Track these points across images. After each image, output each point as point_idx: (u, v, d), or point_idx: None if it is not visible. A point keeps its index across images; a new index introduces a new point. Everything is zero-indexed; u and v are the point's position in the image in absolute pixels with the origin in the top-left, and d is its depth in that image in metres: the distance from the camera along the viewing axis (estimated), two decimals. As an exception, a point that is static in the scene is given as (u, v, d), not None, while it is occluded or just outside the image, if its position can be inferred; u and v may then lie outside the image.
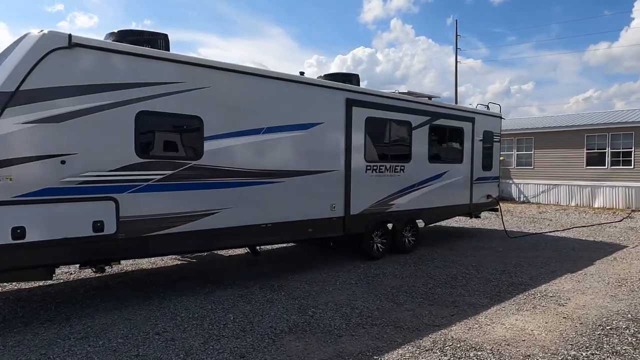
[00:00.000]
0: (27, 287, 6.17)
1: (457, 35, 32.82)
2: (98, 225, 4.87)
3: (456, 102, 33.57)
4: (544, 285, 6.54)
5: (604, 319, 5.12)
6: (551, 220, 14.04)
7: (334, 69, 69.99)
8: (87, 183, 4.82)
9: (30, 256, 4.56)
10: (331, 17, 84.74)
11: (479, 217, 11.58)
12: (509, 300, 5.80)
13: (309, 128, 6.89)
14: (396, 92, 9.08)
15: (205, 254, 8.17)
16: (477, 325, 4.91)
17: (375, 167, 7.91)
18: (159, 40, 6.12)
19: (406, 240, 8.69)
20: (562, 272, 7.28)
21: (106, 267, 5.72)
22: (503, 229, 11.15)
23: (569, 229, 12.21)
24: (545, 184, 20.08)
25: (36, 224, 4.52)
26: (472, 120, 10.07)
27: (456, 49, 32.76)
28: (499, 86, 70.05)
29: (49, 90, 4.55)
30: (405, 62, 77.85)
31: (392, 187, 8.24)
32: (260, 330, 4.69)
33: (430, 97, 9.73)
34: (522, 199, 20.70)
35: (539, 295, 6.05)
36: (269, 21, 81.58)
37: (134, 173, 5.15)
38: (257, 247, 6.97)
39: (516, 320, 5.09)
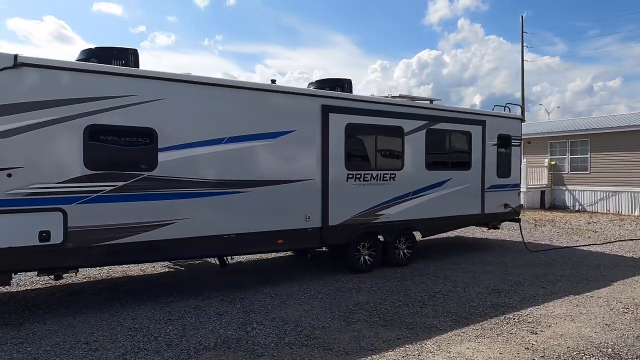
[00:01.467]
0: (22, 289, 6.62)
1: (522, 32, 31.11)
2: (44, 235, 5.08)
3: (522, 103, 31.46)
4: (530, 308, 5.79)
5: (574, 353, 4.39)
6: (596, 232, 12.55)
7: (398, 73, 69.11)
8: (33, 195, 5.06)
9: None
10: (394, 21, 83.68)
11: (498, 228, 10.61)
12: (475, 325, 5.19)
13: (277, 137, 6.73)
14: (389, 96, 8.63)
15: (197, 262, 8.28)
16: (417, 353, 4.42)
17: (358, 176, 7.54)
18: (130, 55, 6.33)
19: (400, 253, 8.17)
20: (564, 294, 6.42)
21: (64, 275, 5.95)
22: (524, 241, 10.11)
23: (611, 242, 10.82)
24: (604, 191, 18.09)
25: (-16, 233, 4.82)
26: (481, 123, 9.29)
27: (522, 46, 31.06)
28: (580, 84, 64.74)
29: (-5, 108, 4.86)
30: (474, 62, 74.63)
31: (381, 196, 7.80)
32: (185, 345, 4.59)
33: (431, 101, 9.12)
34: (577, 207, 18.81)
35: (515, 320, 5.36)
36: (332, 30, 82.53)
37: (83, 185, 5.33)
38: (226, 258, 6.91)
39: (467, 348, 4.52)
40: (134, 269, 7.85)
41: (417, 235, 8.57)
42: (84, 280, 7.17)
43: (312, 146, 7.06)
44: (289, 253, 8.78)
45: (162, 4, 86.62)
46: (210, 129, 6.16)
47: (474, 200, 9.21)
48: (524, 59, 31.00)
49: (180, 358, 4.30)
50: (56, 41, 71.30)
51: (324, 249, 7.80)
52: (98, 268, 7.55)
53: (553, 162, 20.35)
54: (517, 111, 10.31)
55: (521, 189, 18.65)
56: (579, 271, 7.85)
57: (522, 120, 10.33)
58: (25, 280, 7.00)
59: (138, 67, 6.21)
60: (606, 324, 5.18)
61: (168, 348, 4.52)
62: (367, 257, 7.74)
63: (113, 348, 4.51)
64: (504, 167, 9.86)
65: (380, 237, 7.87)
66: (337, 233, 7.32)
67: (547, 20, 67.81)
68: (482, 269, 7.99)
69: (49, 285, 6.88)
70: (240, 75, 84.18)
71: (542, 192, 19.90)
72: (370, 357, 4.32)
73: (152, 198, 5.76)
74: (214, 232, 6.20)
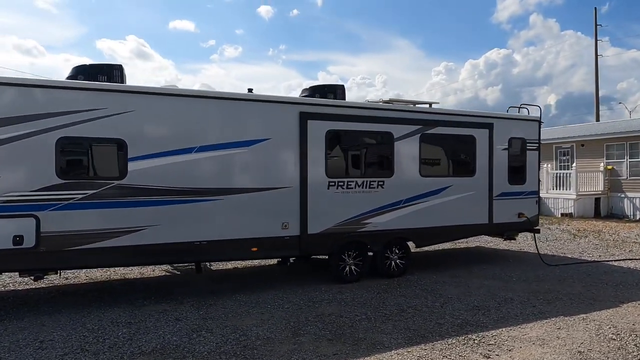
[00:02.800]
0: (24, 288, 7.25)
1: (596, 25, 29.24)
2: (17, 240, 5.51)
3: (597, 101, 29.09)
4: (503, 329, 5.27)
5: (516, 382, 3.93)
6: (643, 245, 11.18)
7: (464, 75, 66.70)
8: (8, 202, 5.52)
9: None
10: (460, 21, 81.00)
11: (514, 239, 9.79)
12: (426, 344, 4.83)
13: (251, 145, 6.76)
14: (380, 101, 8.34)
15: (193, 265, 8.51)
16: (343, 370, 4.21)
17: (341, 183, 7.35)
18: (115, 71, 6.73)
19: (392, 264, 7.82)
20: (553, 315, 5.77)
21: (45, 276, 6.39)
22: (539, 254, 9.23)
23: (653, 257, 9.57)
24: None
25: (-36, 237, 5.34)
26: (488, 126, 8.67)
27: (595, 40, 29.29)
28: (673, 79, 58.08)
29: (-26, 124, 5.37)
30: (549, 60, 70.15)
31: (367, 204, 7.54)
32: (126, 349, 4.73)
33: (430, 104, 8.67)
34: (638, 217, 16.89)
35: (475, 341, 4.91)
36: (394, 33, 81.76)
37: (55, 193, 5.72)
38: (202, 264, 7.04)
39: (400, 369, 4.22)
40: (133, 272, 8.27)
41: (414, 245, 8.21)
42: (84, 282, 7.67)
43: (289, 154, 7.01)
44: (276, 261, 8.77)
45: (230, 18, 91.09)
46: (180, 138, 6.34)
47: (479, 209, 8.60)
48: (599, 54, 29.20)
49: (112, 361, 4.45)
50: (137, 58, 77.83)
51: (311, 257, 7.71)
52: (97, 270, 8.07)
53: (610, 167, 18.47)
54: (535, 112, 9.47)
55: (572, 196, 17.22)
56: (590, 289, 7.03)
57: (540, 122, 9.48)
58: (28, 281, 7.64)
59: (124, 82, 6.58)
60: (579, 352, 4.59)
61: (108, 351, 4.70)
62: (353, 267, 7.51)
63: (60, 348, 4.77)
64: (518, 173, 9.12)
65: (369, 247, 7.61)
66: (317, 242, 7.19)
67: (635, 10, 61.93)
68: (479, 283, 7.43)
69: (50, 285, 7.44)
70: (302, 82, 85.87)
71: (597, 200, 18.11)
72: (291, 372, 4.19)
73: (121, 205, 6.04)
74: (184, 239, 6.36)
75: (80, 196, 5.84)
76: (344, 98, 8.10)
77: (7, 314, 5.89)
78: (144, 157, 6.15)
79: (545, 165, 19.16)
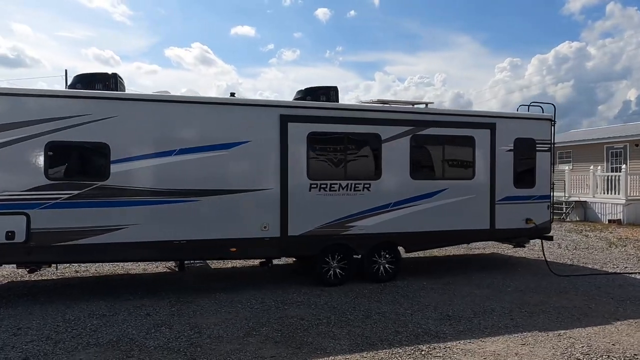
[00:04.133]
0: (34, 279, 7.94)
1: None
2: (9, 235, 6.07)
3: None
4: (461, 341, 4.99)
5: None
6: (686, 256, 9.99)
7: (530, 70, 63.30)
8: (2, 201, 6.09)
9: None
10: (526, 14, 76.50)
11: (523, 246, 9.15)
12: (371, 352, 4.70)
13: (230, 147, 6.92)
14: (371, 102, 8.16)
15: (199, 264, 8.83)
16: (269, 373, 4.20)
17: (324, 186, 7.31)
18: (110, 79, 7.19)
19: (381, 268, 7.64)
20: (528, 329, 5.36)
21: (39, 269, 6.95)
22: (547, 262, 8.53)
23: (690, 270, 8.53)
24: None
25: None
26: (489, 126, 8.20)
27: None
28: None
29: (-29, 130, 5.99)
30: (629, 52, 64.38)
31: (352, 207, 7.42)
32: (82, 340, 4.99)
33: (426, 104, 8.34)
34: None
35: (424, 352, 4.70)
36: (454, 30, 79.22)
37: (44, 193, 6.23)
38: (185, 263, 7.30)
39: (326, 376, 4.14)
40: (138, 268, 8.76)
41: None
42: (91, 275, 8.24)
43: (269, 156, 7.09)
44: (284, 261, 8.85)
45: (289, 21, 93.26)
46: (161, 142, 6.64)
47: (479, 214, 8.15)
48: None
49: (65, 350, 4.76)
50: (201, 64, 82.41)
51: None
52: (105, 265, 8.63)
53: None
54: (547, 111, 8.78)
55: (621, 201, 15.76)
56: (589, 303, 6.42)
57: (552, 121, 8.77)
58: (46, 272, 8.35)
59: (118, 89, 7.02)
60: (530, 370, 4.24)
61: (69, 340, 5.02)
62: (337, 271, 7.43)
63: (31, 335, 5.18)
64: (525, 176, 8.54)
65: (354, 251, 7.49)
66: (298, 244, 7.20)
67: None
68: (468, 292, 7.05)
69: (59, 277, 8.08)
70: (360, 84, 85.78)
71: (652, 205, 16.40)
72: (219, 372, 4.25)
73: (105, 205, 6.44)
74: (164, 237, 6.65)
75: (66, 196, 6.31)
76: (336, 100, 8.03)
77: (7, 302, 6.50)
78: (126, 159, 6.52)
79: (592, 167, 17.71)
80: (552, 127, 8.78)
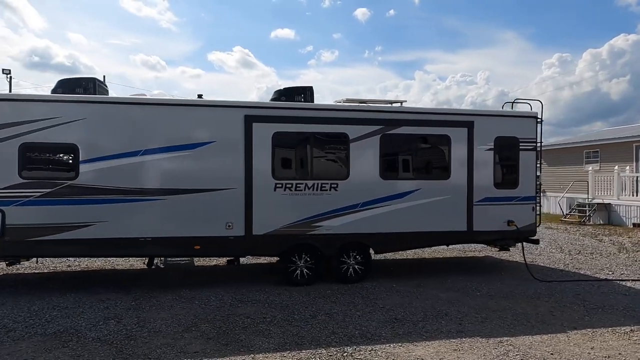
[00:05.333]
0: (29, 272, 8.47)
1: None
2: (-14, 230, 6.53)
3: None
4: (392, 344, 4.89)
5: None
6: (699, 264, 9.20)
7: (581, 66, 60.17)
8: (-20, 198, 6.55)
9: None
10: (576, 7, 72.68)
11: (507, 249, 8.74)
12: (294, 351, 4.70)
13: (195, 148, 7.09)
14: (341, 101, 8.08)
15: (183, 261, 9.09)
16: (183, 367, 4.29)
17: (289, 185, 7.33)
18: (89, 84, 7.57)
19: (350, 269, 7.56)
20: (468, 335, 5.17)
21: (17, 262, 7.38)
22: (527, 267, 8.11)
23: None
24: None
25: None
26: (467, 124, 7.92)
27: None
28: None
29: (-46, 133, 6.49)
30: None
31: (318, 207, 7.40)
32: (32, 330, 5.27)
33: (401, 103, 8.15)
34: None
35: (346, 353, 4.65)
36: (498, 26, 76.67)
37: (18, 191, 6.64)
38: (154, 260, 7.52)
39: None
40: (139, 263, 9.11)
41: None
42: (82, 269, 8.69)
43: (234, 156, 7.19)
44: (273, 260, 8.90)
45: (328, 23, 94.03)
46: (127, 142, 6.90)
47: (455, 215, 7.89)
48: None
49: (12, 338, 5.05)
50: (242, 67, 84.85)
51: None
52: (98, 260, 9.06)
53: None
54: (533, 108, 8.34)
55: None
56: (555, 311, 6.08)
57: (538, 119, 8.32)
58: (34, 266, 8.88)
59: (96, 93, 7.37)
60: (445, 376, 4.08)
61: (20, 329, 5.32)
62: (305, 271, 7.43)
63: (-9, 323, 5.56)
64: (508, 176, 8.18)
65: (320, 251, 7.46)
66: (263, 243, 7.26)
67: None
68: (433, 295, 6.85)
69: (51, 270, 8.57)
70: (399, 83, 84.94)
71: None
72: (136, 364, 4.39)
73: (74, 203, 6.78)
74: (130, 235, 6.91)
75: (39, 194, 6.69)
76: (312, 100, 8.05)
77: (-11, 292, 6.98)
78: (94, 159, 6.83)
79: (616, 168, 16.65)
80: (540, 125, 8.38)
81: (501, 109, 8.37)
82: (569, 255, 10.23)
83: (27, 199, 6.66)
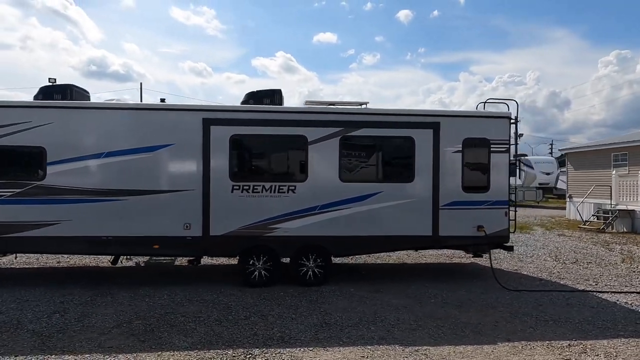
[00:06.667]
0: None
1: None
2: (-38, 226, 7.05)
3: None
4: (304, 348, 4.82)
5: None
6: None
7: None
8: (-43, 197, 7.09)
9: None
10: (636, 1, 68.57)
11: (480, 256, 8.31)
12: (203, 351, 4.75)
13: (155, 150, 7.32)
14: (307, 103, 8.04)
15: (165, 260, 9.41)
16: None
17: (246, 187, 7.39)
18: (67, 90, 8.02)
19: (309, 272, 7.52)
20: (388, 343, 5.02)
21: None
22: (495, 276, 7.67)
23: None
24: None
25: None
26: (432, 126, 7.66)
27: None
28: None
29: (-64, 137, 7.07)
30: None
31: (276, 209, 7.41)
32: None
33: (364, 104, 8.00)
34: None
35: (252, 356, 4.63)
36: (549, 24, 73.75)
37: (-9, 190, 7.14)
38: (118, 258, 7.78)
39: (131, 368, 4.28)
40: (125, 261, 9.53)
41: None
42: (69, 265, 9.18)
43: (192, 158, 7.35)
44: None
45: (370, 25, 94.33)
46: (90, 145, 7.24)
47: (419, 219, 7.64)
48: None
49: (-41, 327, 5.44)
50: (285, 72, 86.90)
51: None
52: (88, 258, 9.54)
53: None
54: (507, 108, 7.90)
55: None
56: (502, 321, 5.76)
57: (511, 119, 7.87)
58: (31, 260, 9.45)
59: (74, 99, 7.81)
60: (332, 383, 3.98)
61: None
62: (263, 272, 7.47)
63: (-49, 313, 6.00)
64: (477, 178, 7.83)
65: (277, 253, 7.46)
66: (220, 244, 7.37)
67: None
68: (384, 301, 6.67)
69: (42, 266, 9.11)
70: (443, 85, 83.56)
71: None
72: (40, 357, 4.59)
73: (41, 202, 7.18)
74: (92, 233, 7.22)
75: (9, 194, 7.15)
76: (281, 103, 8.11)
77: (-30, 284, 7.53)
78: (60, 161, 7.21)
79: (641, 172, 15.48)
80: (515, 125, 7.98)
81: (471, 110, 8.02)
82: (560, 264, 9.62)
83: (0, 197, 7.15)
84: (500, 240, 7.84)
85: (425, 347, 4.85)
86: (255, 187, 7.42)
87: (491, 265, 7.92)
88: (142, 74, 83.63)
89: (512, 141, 8.06)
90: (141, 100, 25.92)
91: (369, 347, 4.87)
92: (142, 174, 7.33)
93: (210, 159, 7.34)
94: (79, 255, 9.47)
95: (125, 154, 7.29)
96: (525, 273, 8.73)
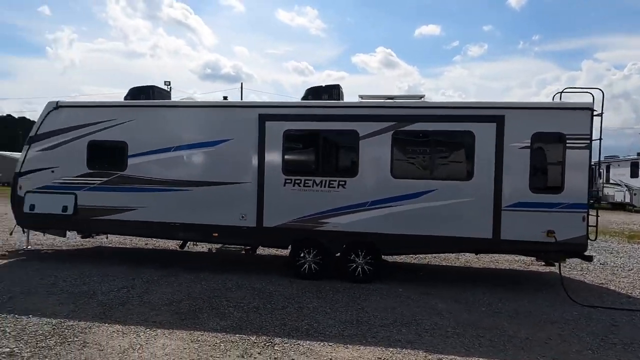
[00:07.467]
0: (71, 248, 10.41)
1: None
2: (64, 207, 8.30)
3: None
4: (322, 343, 4.81)
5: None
6: None
7: None
8: (62, 183, 8.37)
9: (31, 222, 8.51)
10: None
11: (552, 265, 7.32)
12: (231, 334, 4.98)
13: (215, 145, 7.84)
14: (361, 98, 7.86)
15: (233, 248, 10.07)
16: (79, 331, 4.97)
17: (298, 181, 7.55)
18: (150, 91, 8.99)
19: (358, 268, 7.45)
20: (417, 347, 4.76)
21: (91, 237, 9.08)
22: (564, 288, 6.68)
23: None
24: None
25: (40, 203, 8.42)
26: (495, 119, 7.01)
27: None
28: None
29: (47, 133, 8.42)
30: None
31: (325, 203, 7.45)
32: (41, 291, 6.64)
33: (422, 97, 7.56)
34: None
35: (271, 344, 4.74)
36: None
37: (85, 179, 8.30)
38: (186, 243, 8.45)
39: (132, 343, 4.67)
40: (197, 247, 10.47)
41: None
42: (157, 248, 10.33)
43: (248, 152, 7.73)
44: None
45: (476, 14, 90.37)
46: (162, 140, 8.01)
47: (478, 220, 7.06)
48: None
49: (36, 294, 6.45)
50: (385, 67, 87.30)
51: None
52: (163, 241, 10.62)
53: None
54: (588, 98, 6.79)
55: None
56: (556, 340, 5.09)
57: (593, 111, 6.74)
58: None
59: (154, 98, 8.73)
60: None
61: (61, 286, 6.74)
62: (313, 266, 7.59)
63: (58, 278, 7.13)
64: (549, 178, 6.99)
65: (326, 247, 7.49)
66: (272, 235, 7.65)
67: None
68: (430, 304, 6.33)
69: (120, 246, 10.38)
70: (561, 75, 76.54)
71: None
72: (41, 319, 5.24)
73: (123, 190, 8.16)
74: (163, 219, 8.01)
75: (99, 182, 8.24)
76: (339, 98, 8.16)
77: (71, 262, 8.88)
78: (138, 154, 8.12)
79: None
80: (599, 118, 6.93)
81: (544, 101, 7.15)
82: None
83: (91, 185, 8.29)
84: (575, 248, 6.91)
85: (451, 357, 4.52)
86: (306, 182, 7.55)
87: (560, 274, 7.03)
88: (250, 74, 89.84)
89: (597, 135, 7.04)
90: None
91: (391, 349, 4.68)
92: (204, 166, 7.92)
93: (265, 153, 7.65)
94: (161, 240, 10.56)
95: (190, 148, 7.95)
96: (613, 288, 7.58)
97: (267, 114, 7.68)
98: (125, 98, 8.84)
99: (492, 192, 7.06)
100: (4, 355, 4.31)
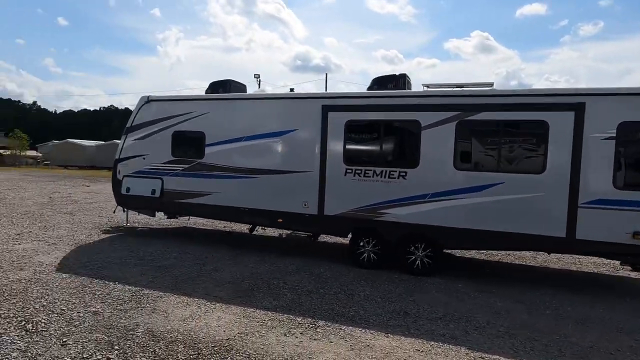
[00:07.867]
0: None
1: None
2: (152, 191, 9.33)
3: None
4: (364, 330, 4.88)
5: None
6: None
7: None
8: (152, 169, 9.40)
9: (127, 203, 9.68)
10: None
11: (639, 270, 6.39)
12: (279, 313, 5.28)
13: (281, 135, 8.20)
14: (426, 87, 7.58)
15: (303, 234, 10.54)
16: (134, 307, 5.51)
17: (358, 171, 7.61)
18: (227, 85, 9.68)
19: (417, 261, 7.35)
20: (459, 344, 4.61)
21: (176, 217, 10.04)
22: None
23: None
24: None
25: (134, 186, 9.55)
26: (574, 107, 6.37)
27: None
28: None
29: (140, 124, 9.50)
30: None
31: (385, 194, 7.43)
32: (131, 262, 7.56)
33: (490, 85, 7.06)
34: None
35: (313, 326, 4.93)
36: None
37: (170, 165, 9.23)
38: (255, 228, 8.95)
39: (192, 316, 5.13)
40: (268, 232, 11.16)
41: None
42: (233, 230, 11.18)
43: (311, 142, 7.96)
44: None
45: None
46: (234, 130, 8.59)
47: (549, 217, 6.51)
48: None
49: (127, 264, 7.37)
50: (480, 53, 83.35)
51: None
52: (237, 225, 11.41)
53: None
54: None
55: None
56: (633, 355, 4.57)
57: None
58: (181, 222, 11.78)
59: (230, 92, 9.42)
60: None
61: (145, 261, 7.66)
62: (372, 255, 7.65)
63: (117, 255, 8.13)
64: (637, 174, 6.16)
65: (384, 237, 7.49)
66: (332, 223, 7.84)
67: None
68: (488, 302, 6.05)
69: (199, 226, 11.33)
70: None
71: None
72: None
73: (201, 176, 8.93)
74: (234, 204, 8.63)
75: (182, 168, 9.12)
76: (404, 87, 8.06)
77: (145, 238, 9.98)
78: (214, 144, 8.81)
79: None
80: None
81: (631, 86, 6.28)
82: None
83: (175, 171, 9.20)
84: (663, 254, 6.08)
85: (495, 357, 4.33)
86: (366, 172, 7.59)
87: (645, 282, 6.23)
88: (338, 65, 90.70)
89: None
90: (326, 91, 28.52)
91: (432, 342, 4.62)
92: (271, 155, 8.35)
93: (327, 143, 7.84)
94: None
95: (258, 138, 8.42)
96: None
97: (329, 105, 7.84)
98: (206, 91, 9.61)
99: (568, 187, 6.47)
100: (90, 313, 5.09)
